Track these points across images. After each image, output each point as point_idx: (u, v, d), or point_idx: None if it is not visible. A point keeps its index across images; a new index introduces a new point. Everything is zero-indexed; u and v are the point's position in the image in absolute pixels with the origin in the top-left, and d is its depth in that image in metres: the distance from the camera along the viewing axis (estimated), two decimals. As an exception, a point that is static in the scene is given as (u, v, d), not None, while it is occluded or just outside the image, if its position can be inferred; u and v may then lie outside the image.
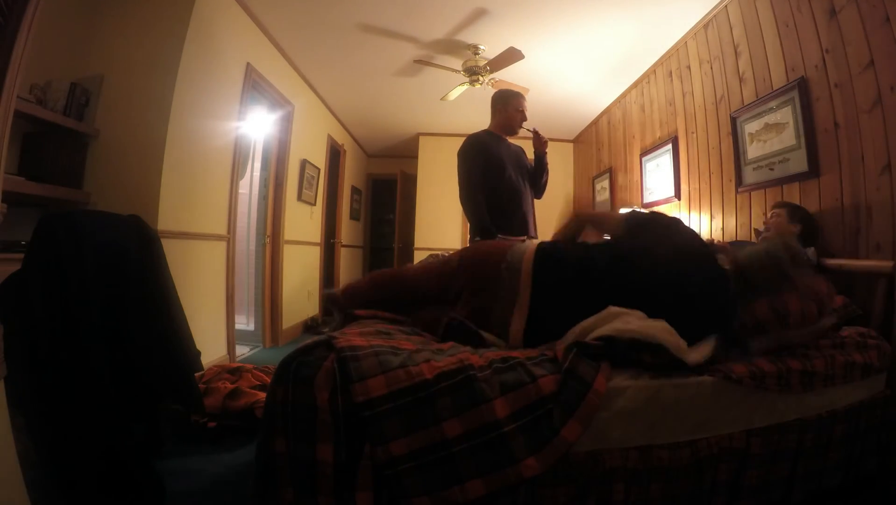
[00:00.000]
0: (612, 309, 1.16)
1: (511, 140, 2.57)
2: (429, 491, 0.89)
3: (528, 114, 2.53)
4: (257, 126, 3.53)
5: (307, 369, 0.95)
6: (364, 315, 1.48)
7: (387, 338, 1.15)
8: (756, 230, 2.16)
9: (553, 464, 0.94)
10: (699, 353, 1.11)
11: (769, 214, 1.97)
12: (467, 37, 3.20)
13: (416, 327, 1.38)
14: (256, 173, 3.78)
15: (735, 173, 2.46)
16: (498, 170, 2.36)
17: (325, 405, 0.91)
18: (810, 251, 1.76)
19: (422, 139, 5.79)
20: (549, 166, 2.61)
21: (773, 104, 2.17)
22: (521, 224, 2.41)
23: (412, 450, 0.89)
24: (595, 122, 4.99)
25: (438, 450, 0.90)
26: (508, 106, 2.48)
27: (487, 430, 0.92)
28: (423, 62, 3.39)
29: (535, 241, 1.43)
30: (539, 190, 2.61)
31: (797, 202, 2.03)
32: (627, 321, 1.11)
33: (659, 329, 1.09)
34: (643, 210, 1.39)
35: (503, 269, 1.30)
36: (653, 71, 3.56)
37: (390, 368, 0.95)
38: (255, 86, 3.06)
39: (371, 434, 0.90)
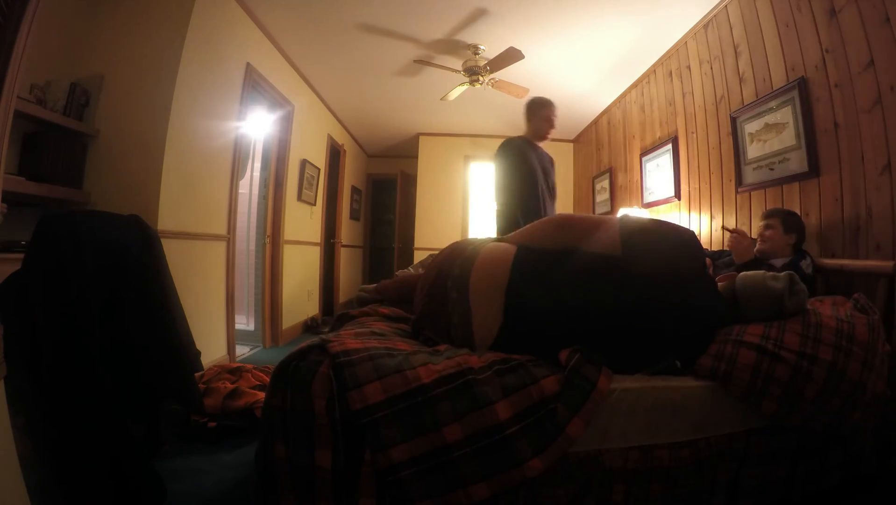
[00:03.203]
0: None
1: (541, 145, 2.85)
2: (432, 496, 0.88)
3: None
4: (257, 126, 3.53)
5: (303, 374, 0.95)
6: (357, 314, 1.48)
7: (382, 339, 1.14)
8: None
9: (554, 461, 0.94)
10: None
11: (762, 225, 1.91)
12: (467, 37, 3.20)
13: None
14: (256, 173, 3.78)
15: (735, 173, 2.46)
16: (532, 176, 2.61)
17: (322, 411, 0.91)
18: (806, 263, 1.75)
19: (422, 139, 5.79)
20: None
21: (773, 104, 2.17)
22: None
23: (413, 456, 0.89)
24: (595, 122, 4.99)
25: (440, 455, 0.90)
26: (538, 115, 2.78)
27: (490, 433, 0.91)
28: (423, 62, 3.39)
29: (501, 244, 1.27)
30: None
31: (797, 202, 2.03)
32: None
33: None
34: (635, 217, 1.33)
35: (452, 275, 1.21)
36: (653, 71, 3.56)
37: (386, 372, 0.95)
38: (254, 86, 3.06)
39: (370, 440, 0.89)
